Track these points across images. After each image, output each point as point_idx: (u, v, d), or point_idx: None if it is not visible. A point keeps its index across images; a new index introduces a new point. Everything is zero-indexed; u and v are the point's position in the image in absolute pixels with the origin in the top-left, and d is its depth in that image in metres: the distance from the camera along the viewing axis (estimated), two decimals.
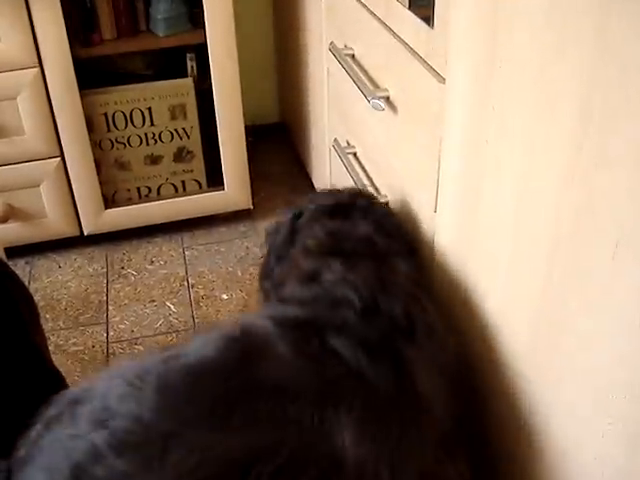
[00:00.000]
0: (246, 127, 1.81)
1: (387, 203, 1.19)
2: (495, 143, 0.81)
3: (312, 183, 1.97)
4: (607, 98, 0.61)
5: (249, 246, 1.85)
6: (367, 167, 1.33)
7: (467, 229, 0.93)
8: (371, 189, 1.27)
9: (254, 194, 1.91)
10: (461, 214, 0.94)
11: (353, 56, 1.26)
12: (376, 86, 1.15)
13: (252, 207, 1.90)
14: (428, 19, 0.95)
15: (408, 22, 1.01)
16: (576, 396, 0.73)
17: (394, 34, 1.07)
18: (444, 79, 0.92)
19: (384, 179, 1.24)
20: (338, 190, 1.16)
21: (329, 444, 0.76)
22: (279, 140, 2.27)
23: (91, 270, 1.80)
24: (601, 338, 0.67)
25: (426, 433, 0.86)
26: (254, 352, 0.81)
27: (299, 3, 1.75)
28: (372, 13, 1.15)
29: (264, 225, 1.88)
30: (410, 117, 1.05)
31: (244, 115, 1.78)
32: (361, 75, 1.19)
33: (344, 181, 1.49)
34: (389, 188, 1.22)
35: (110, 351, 1.57)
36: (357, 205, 1.08)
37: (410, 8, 1.01)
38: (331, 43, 1.34)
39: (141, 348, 1.57)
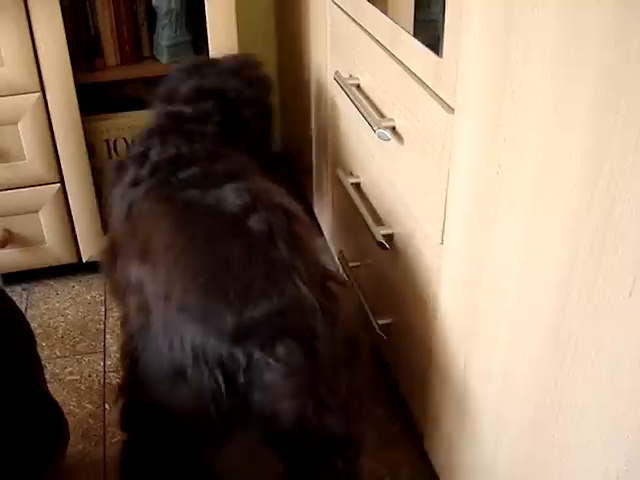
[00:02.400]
0: None
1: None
2: (506, 175, 0.79)
3: (314, 213, 1.95)
4: (624, 129, 0.59)
5: None
6: (371, 198, 1.32)
7: (475, 262, 0.91)
8: (374, 220, 1.26)
9: None
10: (469, 247, 0.92)
11: (358, 86, 1.25)
12: (382, 116, 1.14)
13: None
14: (436, 47, 0.94)
15: (415, 51, 1.00)
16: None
17: (401, 63, 1.06)
18: (453, 109, 0.91)
19: (389, 210, 1.22)
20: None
21: None
22: (280, 171, 2.26)
23: (89, 297, 1.78)
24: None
25: None
26: None
27: (303, 34, 1.74)
28: (377, 42, 1.14)
29: None
30: (417, 147, 1.03)
31: None
32: (367, 104, 1.18)
33: (347, 212, 1.48)
34: (394, 219, 1.20)
35: (107, 381, 1.54)
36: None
37: (417, 36, 1.00)
38: (336, 72, 1.33)
39: None
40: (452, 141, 0.92)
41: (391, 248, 1.21)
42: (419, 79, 1.00)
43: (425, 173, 1.02)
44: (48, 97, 1.57)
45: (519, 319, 0.82)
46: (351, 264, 1.50)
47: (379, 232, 1.20)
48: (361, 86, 1.25)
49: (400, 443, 1.36)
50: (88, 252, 1.78)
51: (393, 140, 1.10)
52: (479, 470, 1.00)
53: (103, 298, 1.77)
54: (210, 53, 1.61)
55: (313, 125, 1.78)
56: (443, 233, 0.99)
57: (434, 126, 0.96)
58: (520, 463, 0.88)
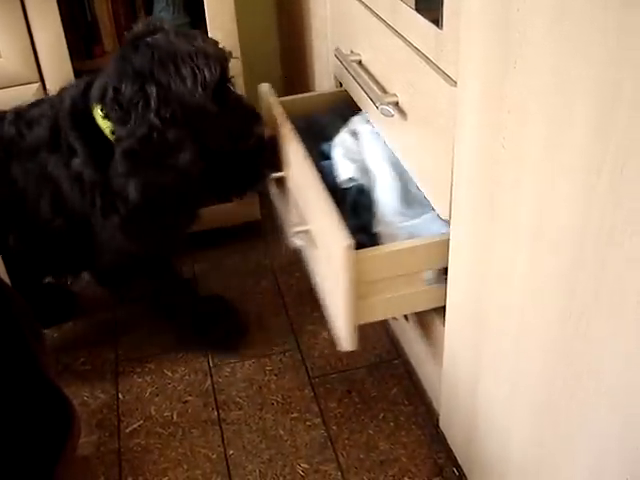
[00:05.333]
0: None
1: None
2: (512, 148, 0.77)
3: None
4: (631, 98, 0.56)
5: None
6: None
7: (482, 237, 0.89)
8: None
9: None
10: (476, 222, 0.90)
11: (360, 62, 1.23)
12: (384, 91, 1.11)
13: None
14: (437, 21, 0.91)
15: (416, 24, 0.98)
16: None
17: (402, 37, 1.03)
18: (455, 82, 0.88)
19: None
20: None
21: None
22: None
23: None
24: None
25: None
26: None
27: (304, 10, 1.71)
28: (378, 16, 1.11)
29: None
30: (421, 122, 1.01)
31: None
32: (369, 81, 1.15)
33: None
34: None
35: (119, 370, 1.53)
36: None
37: (417, 10, 0.97)
38: (337, 49, 1.30)
39: (152, 366, 1.53)
40: (455, 115, 0.89)
41: None
42: (420, 53, 0.97)
43: (430, 149, 0.99)
44: (47, 87, 1.55)
45: (530, 294, 0.80)
46: None
47: None
48: (363, 62, 1.22)
49: (415, 424, 1.34)
50: None
51: (396, 116, 1.08)
52: (495, 451, 0.99)
53: None
54: (209, 34, 1.58)
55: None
56: (450, 209, 0.97)
57: (437, 100, 0.94)
58: (534, 444, 0.86)
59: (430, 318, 1.14)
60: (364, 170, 1.22)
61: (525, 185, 0.76)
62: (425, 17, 0.95)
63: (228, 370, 1.51)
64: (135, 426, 1.39)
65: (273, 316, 1.63)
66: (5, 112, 1.32)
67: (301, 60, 1.83)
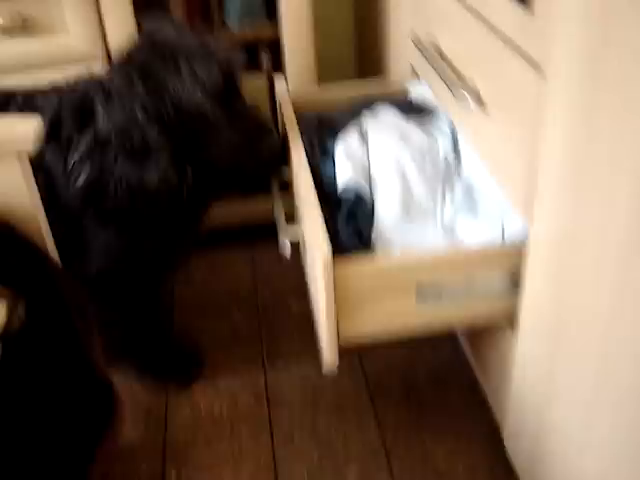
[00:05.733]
0: None
1: None
2: (606, 142, 0.68)
3: None
4: None
5: None
6: None
7: (565, 240, 0.80)
8: None
9: None
10: (560, 223, 0.81)
11: (439, 49, 1.14)
12: (464, 81, 1.03)
13: None
14: (526, 1, 0.83)
15: (501, 5, 0.89)
16: None
17: (484, 20, 0.95)
18: (544, 72, 0.79)
19: None
20: None
21: None
22: None
23: None
24: None
25: None
26: None
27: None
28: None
29: None
30: (502, 114, 0.92)
31: None
32: (446, 68, 1.07)
33: None
34: None
35: None
36: None
37: None
38: (414, 35, 1.22)
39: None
40: (543, 108, 0.80)
41: None
42: (506, 38, 0.89)
43: (512, 145, 0.91)
44: None
45: (619, 303, 0.71)
46: None
47: None
48: (441, 48, 1.14)
49: (477, 440, 1.26)
50: None
51: (475, 107, 0.99)
52: (564, 477, 0.90)
53: None
54: (282, 15, 1.52)
55: None
56: (533, 212, 0.88)
57: (521, 90, 0.85)
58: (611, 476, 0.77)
59: (500, 331, 1.05)
60: (366, 174, 1.15)
61: (619, 182, 0.67)
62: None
63: (282, 368, 1.45)
64: (183, 419, 1.34)
65: None
66: (15, 94, 1.20)
67: (376, 47, 1.75)
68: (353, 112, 1.31)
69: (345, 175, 1.13)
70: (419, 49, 1.16)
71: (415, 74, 1.36)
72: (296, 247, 1.20)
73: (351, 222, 1.07)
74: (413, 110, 1.30)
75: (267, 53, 1.65)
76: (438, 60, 1.09)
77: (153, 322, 1.36)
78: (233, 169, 1.17)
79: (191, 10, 1.59)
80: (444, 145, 1.19)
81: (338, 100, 1.36)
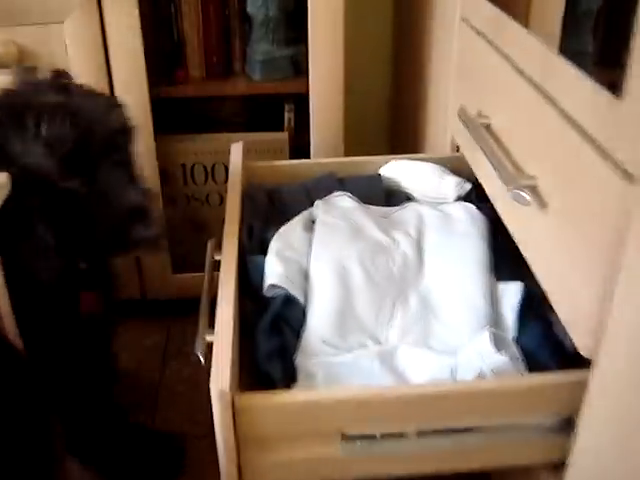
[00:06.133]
0: None
1: None
2: None
3: None
4: None
5: None
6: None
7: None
8: None
9: None
10: (633, 366, 0.61)
11: (489, 127, 0.96)
12: (519, 170, 0.84)
13: None
14: (614, 85, 0.64)
15: (578, 87, 0.71)
16: None
17: (553, 103, 0.76)
18: (632, 176, 0.61)
19: None
20: None
21: None
22: None
23: (147, 344, 1.54)
24: None
25: None
26: None
27: (425, 58, 1.47)
28: (521, 72, 0.85)
29: None
30: (568, 219, 0.73)
31: None
32: (499, 153, 0.88)
33: None
34: None
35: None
36: None
37: (582, 67, 0.71)
38: (461, 108, 1.04)
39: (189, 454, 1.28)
40: (628, 223, 0.61)
41: None
42: (580, 128, 0.70)
43: (576, 254, 0.71)
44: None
45: None
46: None
47: None
48: (492, 128, 0.95)
49: None
50: (153, 289, 1.55)
51: (533, 204, 0.81)
52: None
53: (164, 343, 1.53)
54: (310, 72, 1.35)
55: None
56: (596, 349, 0.69)
57: (598, 194, 0.66)
58: None
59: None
60: (303, 275, 0.95)
61: None
62: (594, 78, 0.68)
63: None
64: None
65: None
66: None
67: (414, 118, 1.57)
68: (308, 189, 1.13)
69: (272, 275, 0.93)
70: (466, 126, 0.98)
71: (456, 152, 1.18)
72: None
73: (274, 334, 0.87)
74: (380, 196, 1.13)
75: (291, 110, 1.49)
76: (489, 141, 0.91)
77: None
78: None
79: (209, 54, 1.42)
80: (405, 245, 0.99)
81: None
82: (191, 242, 1.55)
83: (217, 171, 1.47)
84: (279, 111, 1.49)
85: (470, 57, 1.08)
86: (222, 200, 1.50)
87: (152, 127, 1.37)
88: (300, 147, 1.47)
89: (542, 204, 0.79)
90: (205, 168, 1.47)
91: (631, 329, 0.62)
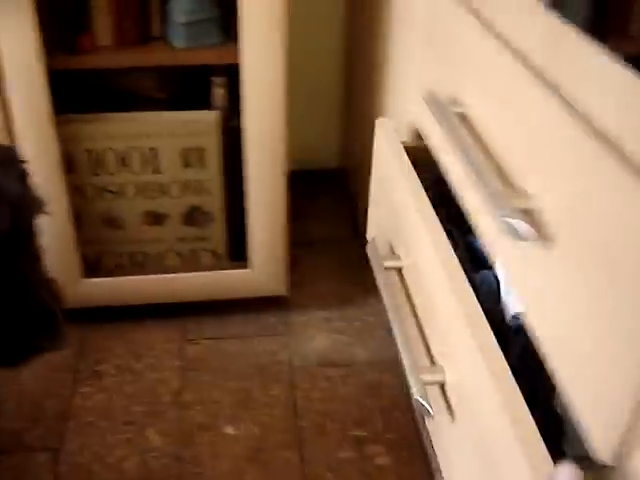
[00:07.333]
0: (293, 172, 1.31)
1: None
2: None
3: None
4: None
5: (274, 349, 1.32)
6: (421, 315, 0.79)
7: None
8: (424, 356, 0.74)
9: (292, 274, 1.40)
10: None
11: (464, 118, 0.73)
12: (511, 187, 0.62)
13: (286, 294, 1.38)
14: None
15: (599, 75, 0.48)
16: None
17: (560, 95, 0.54)
18: None
19: (453, 356, 0.70)
20: None
21: None
22: (335, 191, 1.75)
23: (56, 360, 1.30)
24: None
25: None
26: None
27: (383, 26, 1.23)
28: (515, 51, 0.62)
29: (301, 319, 1.38)
30: (587, 265, 0.51)
31: (293, 157, 1.28)
32: (481, 157, 0.66)
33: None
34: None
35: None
36: None
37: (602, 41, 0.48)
38: (428, 91, 0.80)
39: None
40: None
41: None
42: (600, 132, 0.48)
43: (595, 317, 0.49)
44: (6, 86, 1.10)
45: None
46: None
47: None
48: (470, 120, 0.72)
49: None
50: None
51: (530, 234, 0.58)
52: None
53: (75, 363, 1.30)
54: (241, 37, 1.11)
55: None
56: (617, 452, 0.47)
57: (632, 230, 0.44)
58: None
59: None
60: None
61: None
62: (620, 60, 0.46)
63: None
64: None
65: (277, 447, 1.15)
66: None
67: (370, 101, 1.34)
68: None
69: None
70: (435, 115, 0.74)
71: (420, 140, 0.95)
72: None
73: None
74: None
75: (222, 84, 1.24)
76: (467, 141, 0.68)
77: None
78: None
79: (120, 17, 1.17)
80: None
81: None
82: (104, 242, 1.30)
83: (132, 158, 1.22)
84: (208, 86, 1.24)
85: (442, 29, 0.84)
86: (140, 193, 1.25)
87: (50, 106, 1.13)
88: (233, 129, 1.22)
89: (545, 236, 0.56)
90: (118, 155, 1.22)
91: None
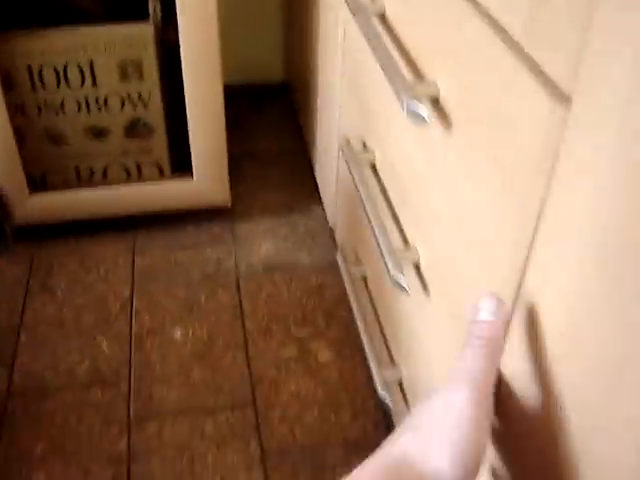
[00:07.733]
0: (237, 86, 1.33)
1: None
2: None
3: (314, 170, 1.48)
4: None
5: (221, 257, 1.37)
6: (391, 195, 0.85)
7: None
8: (396, 234, 0.79)
9: (236, 184, 1.43)
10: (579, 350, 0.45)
11: (384, 17, 0.76)
12: (419, 76, 0.66)
13: (230, 204, 1.41)
14: None
15: None
16: None
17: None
18: (569, 98, 0.43)
19: (419, 227, 0.75)
20: None
21: None
22: (279, 105, 1.77)
23: (7, 277, 1.33)
24: None
25: None
26: None
27: None
28: None
29: (246, 228, 1.42)
30: (478, 143, 0.56)
31: (237, 71, 1.29)
32: (393, 52, 0.69)
33: (353, 200, 1.02)
34: (426, 247, 0.73)
35: (9, 408, 1.11)
36: None
37: None
38: None
39: (48, 408, 1.11)
40: (557, 153, 0.44)
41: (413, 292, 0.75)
42: (501, 28, 0.52)
43: (489, 195, 0.54)
44: None
45: None
46: (354, 270, 1.05)
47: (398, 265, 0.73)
48: (388, 18, 0.76)
49: None
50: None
51: (435, 121, 0.63)
52: None
53: (26, 279, 1.33)
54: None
55: (319, 62, 1.29)
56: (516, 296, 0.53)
57: (523, 118, 0.48)
58: None
59: None
60: None
61: None
62: None
63: (152, 429, 1.08)
64: None
65: (224, 348, 1.20)
66: None
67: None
68: None
69: None
70: (353, 13, 0.77)
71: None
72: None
73: None
74: None
75: None
76: (381, 36, 0.71)
77: None
78: None
79: None
80: None
81: None
82: (49, 158, 1.32)
83: (70, 73, 1.23)
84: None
85: None
86: (80, 107, 1.26)
87: None
88: (170, 42, 1.23)
89: (446, 122, 0.61)
90: (56, 70, 1.22)
91: (556, 288, 0.46)
